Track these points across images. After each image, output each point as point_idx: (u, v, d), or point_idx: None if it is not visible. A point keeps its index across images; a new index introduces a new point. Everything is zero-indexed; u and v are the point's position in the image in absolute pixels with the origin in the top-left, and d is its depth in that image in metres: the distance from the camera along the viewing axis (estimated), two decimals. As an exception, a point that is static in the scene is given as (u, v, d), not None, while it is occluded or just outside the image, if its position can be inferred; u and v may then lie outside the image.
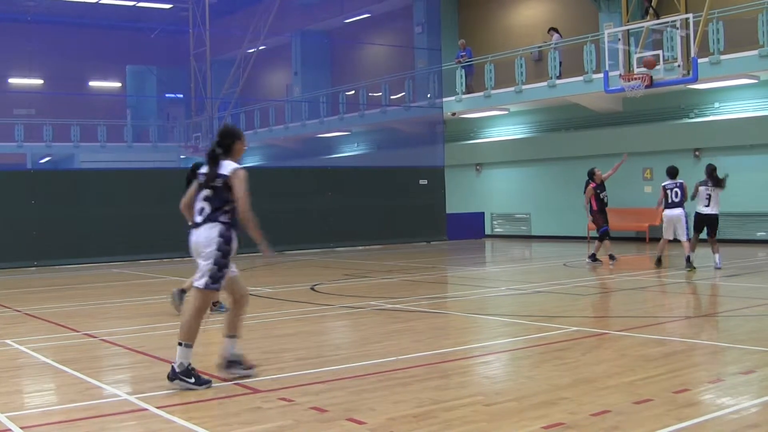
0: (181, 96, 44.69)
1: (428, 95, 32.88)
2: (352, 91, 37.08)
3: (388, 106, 34.52)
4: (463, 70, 30.69)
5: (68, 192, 22.39)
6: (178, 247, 21.93)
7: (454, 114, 31.15)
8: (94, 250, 22.16)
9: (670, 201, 16.87)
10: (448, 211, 29.30)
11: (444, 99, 31.17)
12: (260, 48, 39.94)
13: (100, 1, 40.23)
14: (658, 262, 17.33)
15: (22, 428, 5.95)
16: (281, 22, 38.09)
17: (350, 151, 38.13)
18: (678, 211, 16.84)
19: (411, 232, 27.66)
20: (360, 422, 5.85)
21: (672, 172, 17.11)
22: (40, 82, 47.39)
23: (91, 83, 49.01)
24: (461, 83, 30.64)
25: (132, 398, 6.80)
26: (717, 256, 16.63)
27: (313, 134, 38.60)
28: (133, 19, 41.44)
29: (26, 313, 12.64)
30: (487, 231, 30.71)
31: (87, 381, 7.54)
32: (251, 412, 6.25)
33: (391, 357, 8.26)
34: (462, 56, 31.00)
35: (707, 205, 16.52)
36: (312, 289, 14.61)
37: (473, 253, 24.16)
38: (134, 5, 40.94)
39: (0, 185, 22.13)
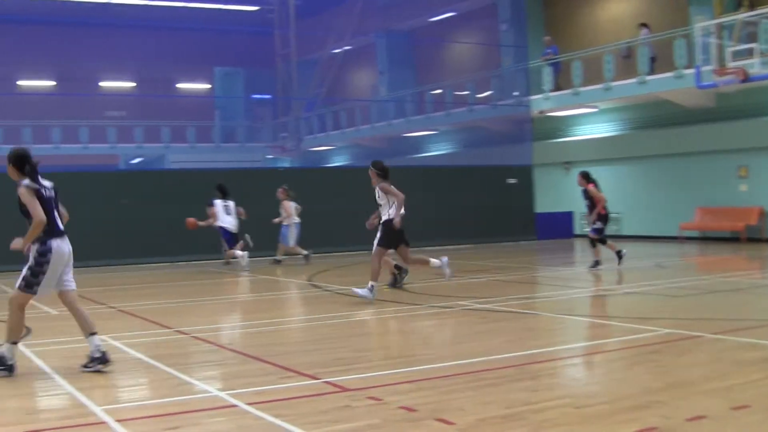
0: (269, 97, 45.18)
1: (515, 93, 32.66)
2: (439, 90, 37.03)
3: (474, 104, 34.39)
4: (550, 68, 30.40)
5: (159, 192, 22.82)
6: (266, 245, 22.21)
7: (541, 112, 30.86)
8: (186, 248, 22.54)
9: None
10: (537, 210, 29.08)
11: (531, 97, 30.93)
12: (345, 48, 40.17)
13: (188, 5, 40.95)
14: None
15: (117, 421, 6.07)
16: (365, 22, 38.28)
17: (437, 151, 38.07)
18: None
19: (499, 232, 27.49)
20: (449, 422, 5.80)
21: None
22: (132, 84, 48.47)
23: (180, 85, 49.90)
24: (549, 81, 30.35)
25: (223, 394, 6.87)
26: None
27: (400, 134, 38.64)
28: (219, 21, 42.07)
29: (120, 310, 12.91)
30: (576, 230, 30.27)
31: (179, 377, 7.66)
32: (340, 411, 6.26)
33: (480, 357, 8.20)
34: (548, 53, 30.70)
35: None
36: (401, 288, 14.60)
37: (562, 252, 23.91)
38: (221, 8, 41.57)
39: (93, 185, 22.74)
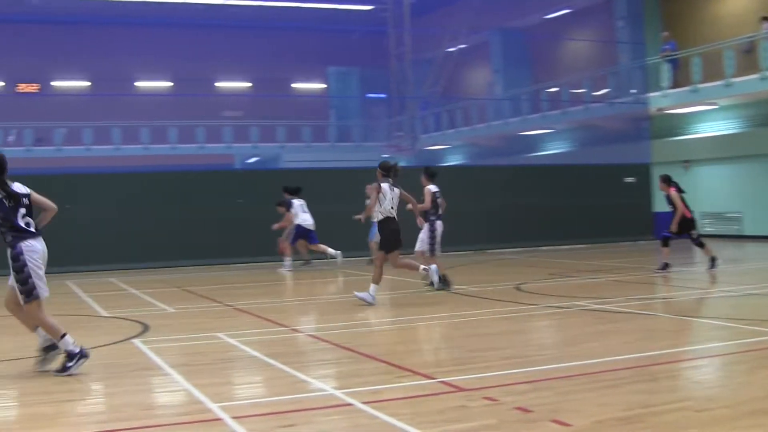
0: (384, 96, 45.39)
1: (632, 91, 32.12)
2: (555, 88, 36.67)
3: (590, 102, 33.96)
4: (668, 64, 29.79)
5: (274, 191, 23.15)
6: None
7: (659, 109, 30.28)
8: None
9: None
10: (655, 209, 28.55)
11: (649, 94, 30.38)
12: (460, 47, 40.13)
13: (303, 5, 41.52)
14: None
15: (233, 418, 6.21)
16: (480, 20, 38.13)
17: (553, 149, 37.70)
18: None
19: (616, 231, 27.09)
20: (565, 424, 5.79)
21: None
22: (247, 85, 49.36)
23: (295, 85, 50.57)
24: (667, 77, 29.76)
25: (338, 393, 6.95)
26: None
27: (515, 132, 38.41)
28: (334, 21, 42.53)
29: (236, 308, 13.18)
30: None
31: (294, 375, 7.78)
32: (456, 411, 6.30)
33: (598, 358, 8.13)
34: (666, 50, 30.10)
35: None
36: (517, 288, 14.57)
37: (681, 253, 23.36)
38: (335, 8, 42.02)
39: (209, 184, 23.34)
